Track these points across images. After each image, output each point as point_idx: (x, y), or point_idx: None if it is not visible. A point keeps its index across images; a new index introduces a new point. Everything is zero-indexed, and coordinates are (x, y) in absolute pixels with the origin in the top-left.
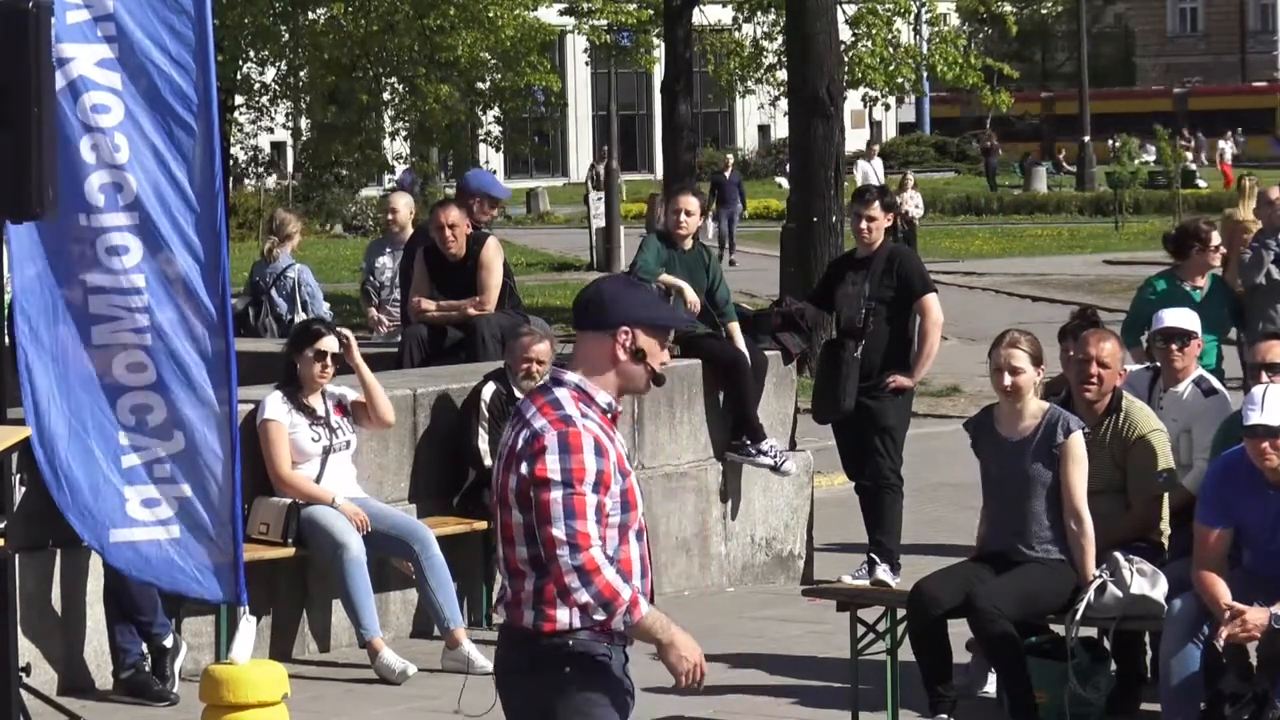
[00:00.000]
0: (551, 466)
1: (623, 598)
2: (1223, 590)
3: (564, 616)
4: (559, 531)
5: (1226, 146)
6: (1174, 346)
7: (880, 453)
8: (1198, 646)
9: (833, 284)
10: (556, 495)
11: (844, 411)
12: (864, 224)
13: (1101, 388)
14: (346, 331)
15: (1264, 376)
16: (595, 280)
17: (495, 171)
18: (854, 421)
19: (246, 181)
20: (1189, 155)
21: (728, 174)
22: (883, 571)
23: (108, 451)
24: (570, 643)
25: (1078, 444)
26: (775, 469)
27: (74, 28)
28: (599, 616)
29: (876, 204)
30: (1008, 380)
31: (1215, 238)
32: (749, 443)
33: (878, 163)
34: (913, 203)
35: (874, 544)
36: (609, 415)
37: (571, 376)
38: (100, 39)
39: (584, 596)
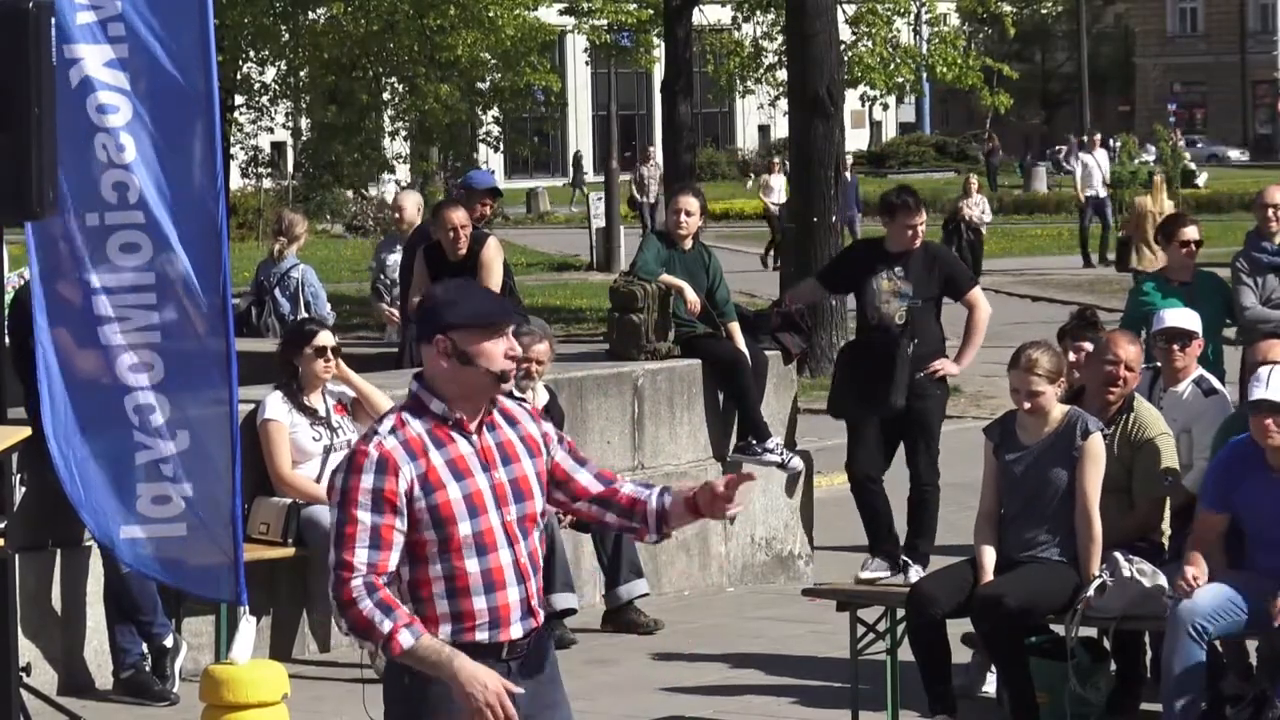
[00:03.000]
0: (336, 486)
1: (379, 630)
2: (1203, 567)
3: None
4: (330, 561)
5: None
6: (1176, 347)
7: (925, 455)
8: (1200, 647)
9: (856, 272)
10: (333, 519)
11: (894, 409)
12: (916, 231)
13: (1124, 390)
14: (349, 370)
15: None
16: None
17: (492, 170)
18: (889, 421)
19: (246, 181)
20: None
21: (847, 175)
22: (916, 573)
23: (122, 448)
24: None
25: (1097, 445)
26: (782, 466)
27: (83, 28)
28: (368, 648)
29: (924, 210)
30: (1027, 404)
31: (1187, 233)
32: (754, 442)
33: (1101, 155)
34: (979, 208)
35: (910, 547)
36: (448, 423)
37: (413, 384)
38: (108, 39)
39: (344, 625)
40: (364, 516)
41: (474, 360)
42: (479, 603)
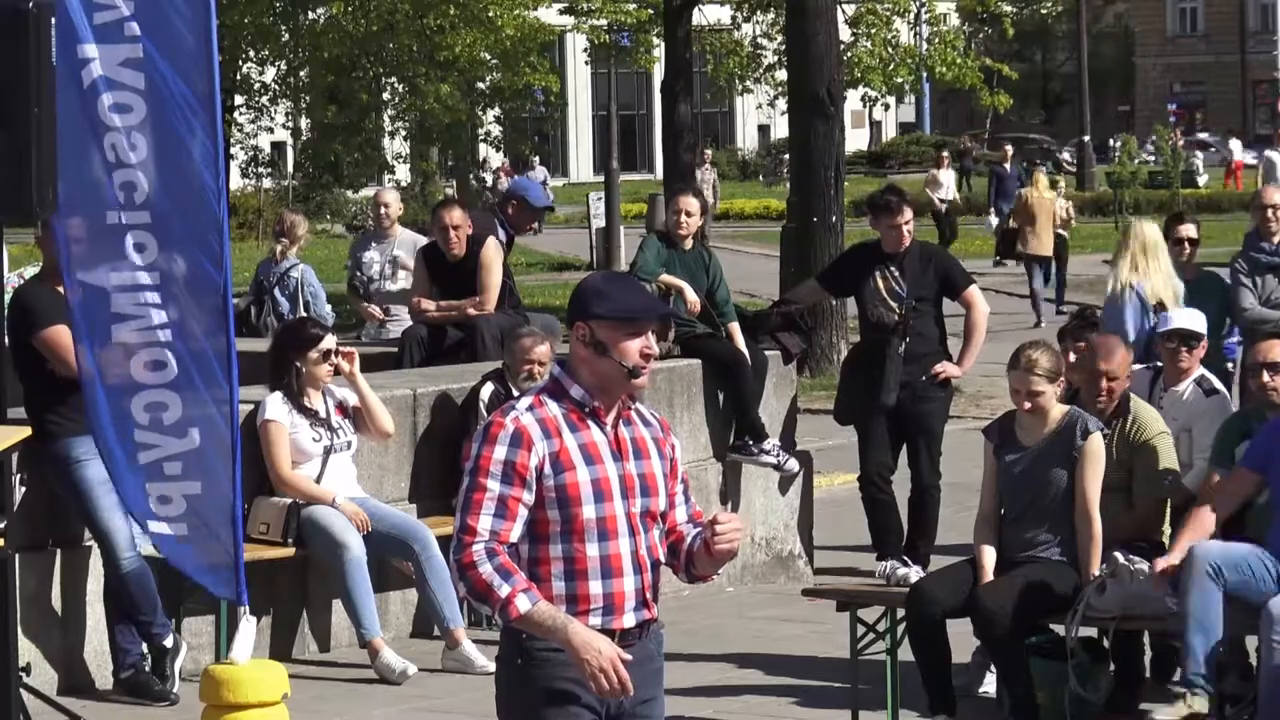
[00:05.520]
0: (470, 454)
1: (497, 594)
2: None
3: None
4: (455, 526)
5: (1236, 146)
6: (1184, 349)
7: (926, 456)
8: (1216, 585)
9: (855, 274)
10: (463, 487)
11: (884, 407)
12: (900, 231)
13: (1113, 398)
14: (353, 350)
15: (1265, 376)
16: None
17: (545, 181)
18: (893, 422)
19: (246, 181)
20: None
21: (1008, 165)
22: (916, 574)
23: (127, 448)
24: (524, 635)
25: (1096, 445)
26: (778, 467)
27: (100, 28)
28: (485, 611)
29: (907, 208)
30: (1027, 404)
31: (1184, 231)
32: (751, 442)
33: None
34: (1063, 208)
35: (910, 547)
36: (584, 409)
37: (555, 369)
38: (122, 39)
39: (462, 590)
40: (492, 485)
41: (609, 352)
42: (595, 587)
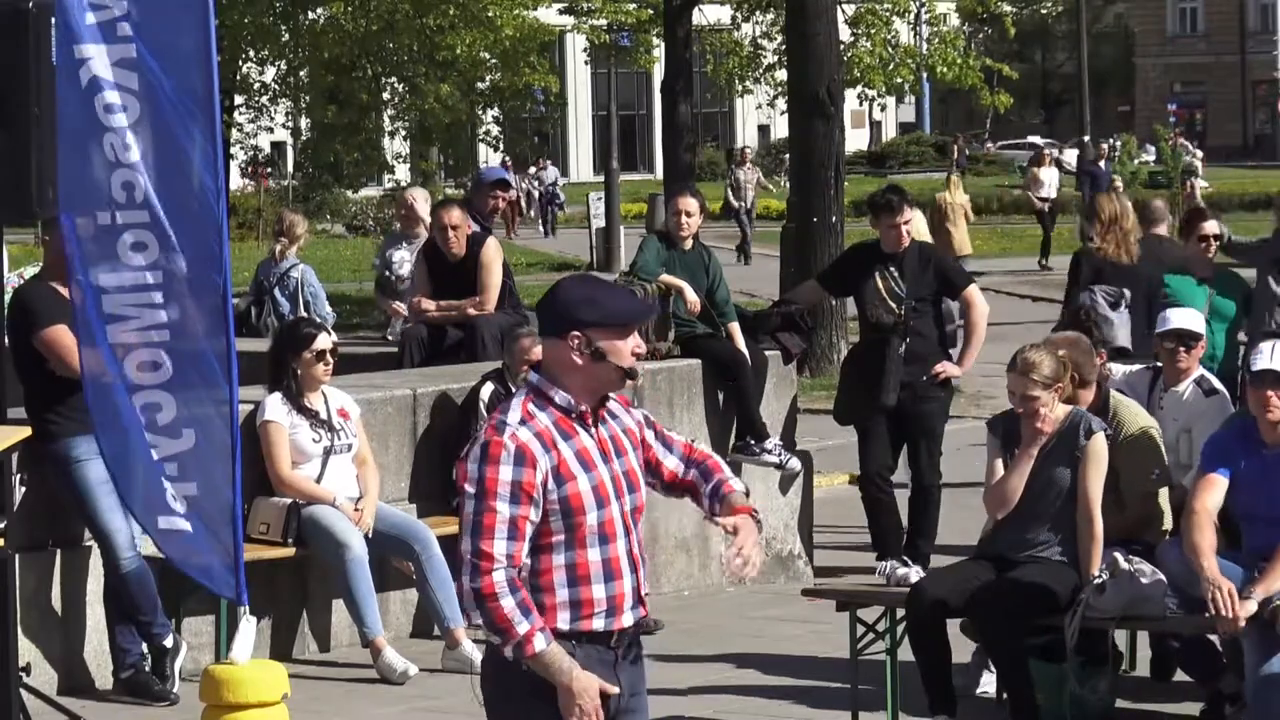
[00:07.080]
0: (469, 475)
1: (516, 630)
2: (1209, 542)
3: None
4: (465, 547)
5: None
6: (1183, 349)
7: (927, 456)
8: None
9: (854, 274)
10: (469, 509)
11: (885, 408)
12: (900, 231)
13: (1074, 391)
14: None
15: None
16: (555, 282)
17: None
18: (893, 422)
19: (246, 181)
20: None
21: (1101, 164)
22: (916, 574)
23: (139, 446)
24: None
25: (1099, 445)
26: (780, 466)
27: (92, 28)
28: (496, 641)
29: (908, 208)
30: (1021, 409)
31: (1207, 228)
32: (753, 442)
33: None
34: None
35: (911, 547)
36: (571, 415)
37: (533, 376)
38: (115, 39)
39: (478, 619)
40: (502, 508)
41: (606, 356)
42: (598, 591)
